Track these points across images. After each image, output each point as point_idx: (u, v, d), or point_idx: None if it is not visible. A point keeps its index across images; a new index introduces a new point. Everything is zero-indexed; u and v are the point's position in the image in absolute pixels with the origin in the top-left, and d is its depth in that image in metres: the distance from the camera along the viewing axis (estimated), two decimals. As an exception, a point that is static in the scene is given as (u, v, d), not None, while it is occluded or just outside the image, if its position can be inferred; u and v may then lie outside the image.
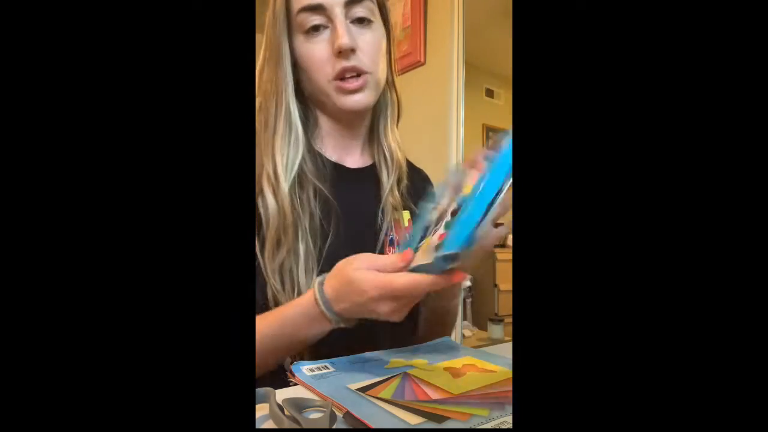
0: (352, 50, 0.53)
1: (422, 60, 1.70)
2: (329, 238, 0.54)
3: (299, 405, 0.34)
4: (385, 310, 0.42)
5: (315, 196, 0.55)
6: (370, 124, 0.63)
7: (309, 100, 0.59)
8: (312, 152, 0.57)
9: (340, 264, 0.44)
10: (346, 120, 0.60)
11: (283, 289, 0.51)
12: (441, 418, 0.32)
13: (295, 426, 0.30)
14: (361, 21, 0.54)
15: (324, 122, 0.60)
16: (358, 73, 0.54)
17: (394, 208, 0.61)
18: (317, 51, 0.54)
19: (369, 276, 0.41)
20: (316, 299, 0.44)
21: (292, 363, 0.44)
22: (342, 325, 0.45)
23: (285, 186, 0.52)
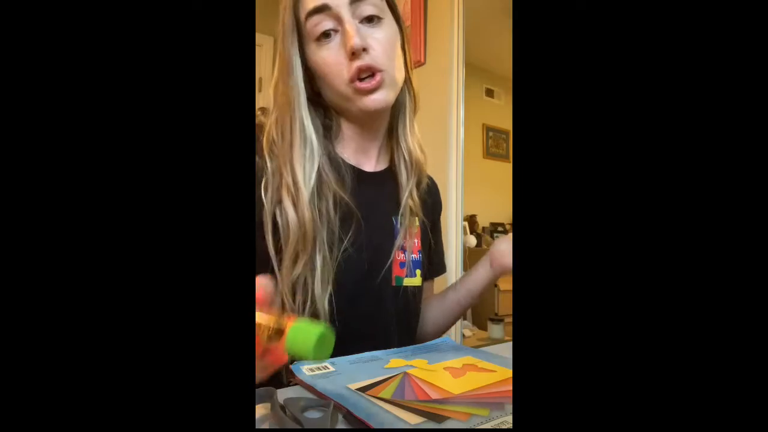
0: (364, 49, 0.52)
1: (422, 60, 1.70)
2: (345, 244, 0.54)
3: (300, 405, 0.34)
4: None
5: (334, 204, 0.54)
6: (388, 125, 0.63)
7: (331, 107, 0.59)
8: (334, 159, 0.56)
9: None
10: (367, 122, 0.59)
11: (294, 302, 0.50)
12: (441, 418, 0.32)
13: (295, 426, 0.30)
14: (370, 20, 0.54)
15: (345, 127, 0.60)
16: (373, 71, 0.54)
17: (412, 212, 0.61)
18: (331, 56, 0.54)
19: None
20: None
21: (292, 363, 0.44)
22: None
23: (305, 199, 0.52)
